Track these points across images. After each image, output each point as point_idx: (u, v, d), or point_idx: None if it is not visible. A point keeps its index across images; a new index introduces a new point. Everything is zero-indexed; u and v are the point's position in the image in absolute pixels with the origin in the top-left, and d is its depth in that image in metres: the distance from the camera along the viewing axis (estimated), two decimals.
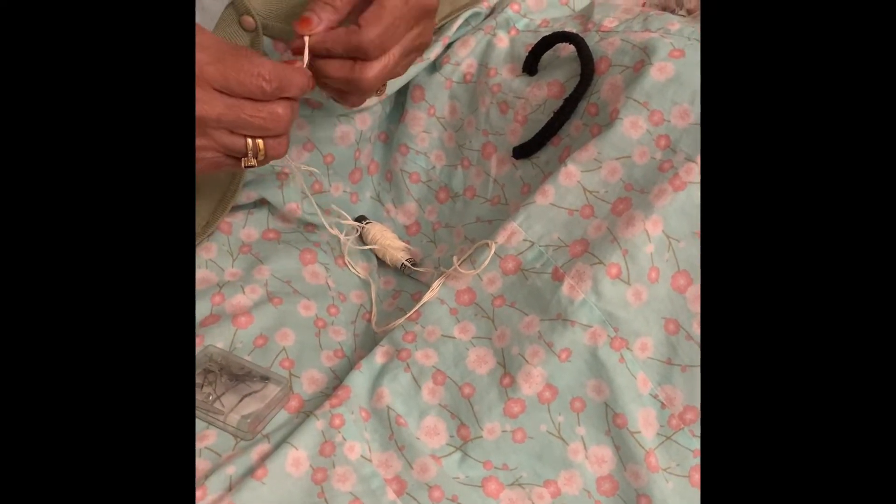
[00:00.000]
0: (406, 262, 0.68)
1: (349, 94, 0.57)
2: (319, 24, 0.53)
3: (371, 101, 0.68)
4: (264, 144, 0.52)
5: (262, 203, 0.69)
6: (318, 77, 0.55)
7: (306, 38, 0.54)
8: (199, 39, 0.49)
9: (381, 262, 0.71)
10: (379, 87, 0.58)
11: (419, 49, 0.58)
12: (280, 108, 0.51)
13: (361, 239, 0.70)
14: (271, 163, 0.56)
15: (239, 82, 0.49)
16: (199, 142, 0.51)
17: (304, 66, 0.54)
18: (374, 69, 0.54)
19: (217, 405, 0.55)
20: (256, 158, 0.53)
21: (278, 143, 0.53)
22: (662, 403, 0.55)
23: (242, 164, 0.53)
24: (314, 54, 0.54)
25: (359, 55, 0.54)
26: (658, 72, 0.58)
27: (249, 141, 0.52)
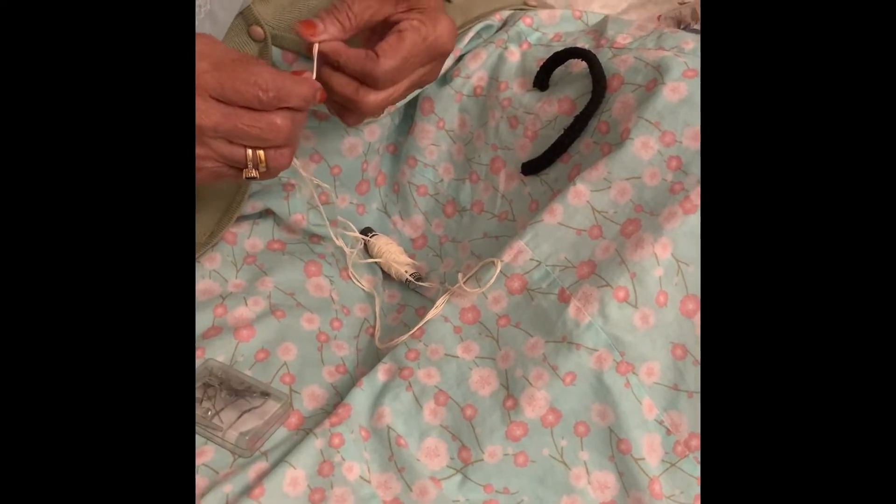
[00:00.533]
0: (410, 277, 0.67)
1: (349, 112, 0.57)
2: (323, 34, 0.53)
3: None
4: (265, 155, 0.51)
5: (267, 214, 0.69)
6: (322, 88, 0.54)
7: (316, 46, 0.53)
8: (199, 47, 0.49)
9: (387, 276, 0.70)
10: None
11: (423, 85, 0.59)
12: (279, 119, 0.50)
13: (367, 251, 0.70)
14: (280, 174, 0.55)
15: (235, 91, 0.49)
16: (197, 151, 0.50)
17: (314, 76, 0.53)
18: (377, 97, 0.54)
19: (216, 421, 0.54)
20: (258, 169, 0.52)
21: (280, 155, 0.52)
22: (668, 429, 0.54)
23: (244, 175, 0.52)
24: (327, 62, 0.53)
25: (367, 81, 0.54)
26: (671, 92, 0.57)
27: (249, 151, 0.51)
